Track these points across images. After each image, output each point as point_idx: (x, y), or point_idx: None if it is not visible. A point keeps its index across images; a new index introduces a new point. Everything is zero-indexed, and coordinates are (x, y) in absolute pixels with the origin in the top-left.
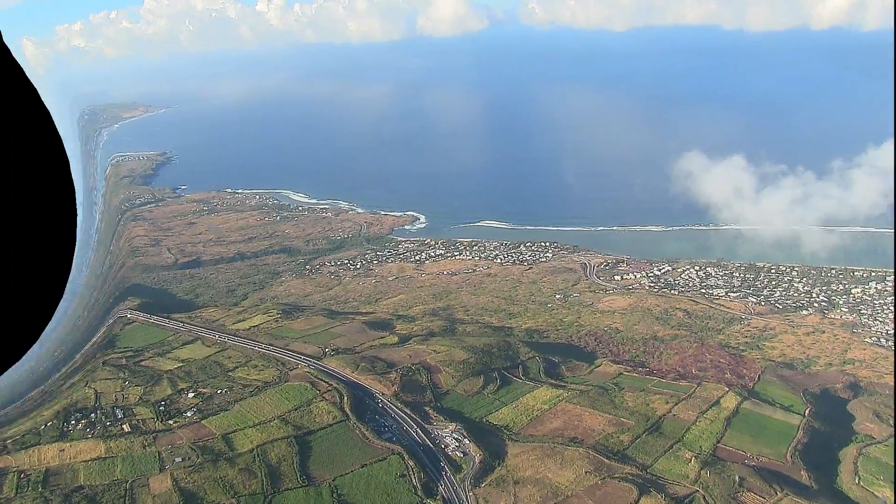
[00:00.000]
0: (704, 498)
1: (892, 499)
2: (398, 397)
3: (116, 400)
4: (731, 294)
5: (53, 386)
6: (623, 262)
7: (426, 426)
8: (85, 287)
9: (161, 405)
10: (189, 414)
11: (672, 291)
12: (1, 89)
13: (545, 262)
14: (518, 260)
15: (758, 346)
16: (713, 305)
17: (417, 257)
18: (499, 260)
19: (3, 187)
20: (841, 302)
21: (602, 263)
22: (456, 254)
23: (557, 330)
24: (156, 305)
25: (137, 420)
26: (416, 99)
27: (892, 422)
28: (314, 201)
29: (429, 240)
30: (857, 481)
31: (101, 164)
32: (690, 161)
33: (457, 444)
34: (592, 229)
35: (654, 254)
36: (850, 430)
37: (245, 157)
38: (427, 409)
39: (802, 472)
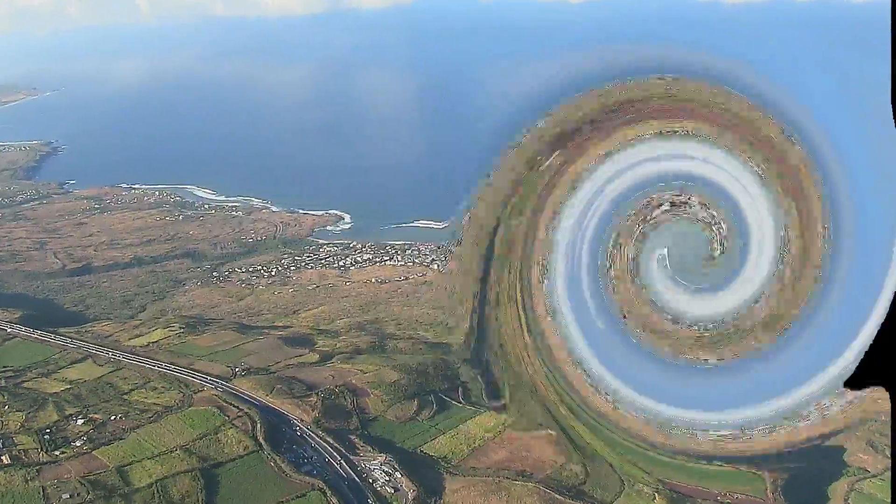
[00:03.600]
0: None
1: None
2: (319, 424)
3: None
4: None
5: None
6: None
7: (352, 457)
8: None
9: (46, 433)
10: (78, 443)
11: None
12: None
13: None
14: None
15: None
16: None
17: (341, 263)
18: (435, 265)
19: None
20: None
21: None
22: (386, 259)
23: None
24: (40, 318)
25: (19, 450)
26: (341, 81)
27: (888, 452)
28: (222, 198)
29: (354, 243)
30: None
31: None
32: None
33: (387, 477)
34: None
35: None
36: (840, 462)
37: (144, 147)
38: (353, 437)
39: None
